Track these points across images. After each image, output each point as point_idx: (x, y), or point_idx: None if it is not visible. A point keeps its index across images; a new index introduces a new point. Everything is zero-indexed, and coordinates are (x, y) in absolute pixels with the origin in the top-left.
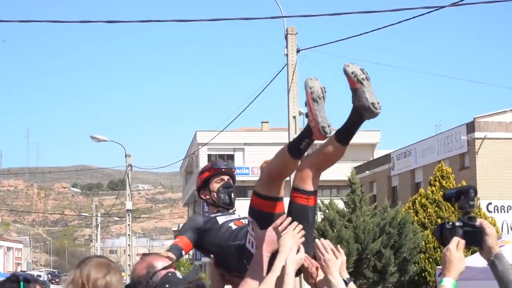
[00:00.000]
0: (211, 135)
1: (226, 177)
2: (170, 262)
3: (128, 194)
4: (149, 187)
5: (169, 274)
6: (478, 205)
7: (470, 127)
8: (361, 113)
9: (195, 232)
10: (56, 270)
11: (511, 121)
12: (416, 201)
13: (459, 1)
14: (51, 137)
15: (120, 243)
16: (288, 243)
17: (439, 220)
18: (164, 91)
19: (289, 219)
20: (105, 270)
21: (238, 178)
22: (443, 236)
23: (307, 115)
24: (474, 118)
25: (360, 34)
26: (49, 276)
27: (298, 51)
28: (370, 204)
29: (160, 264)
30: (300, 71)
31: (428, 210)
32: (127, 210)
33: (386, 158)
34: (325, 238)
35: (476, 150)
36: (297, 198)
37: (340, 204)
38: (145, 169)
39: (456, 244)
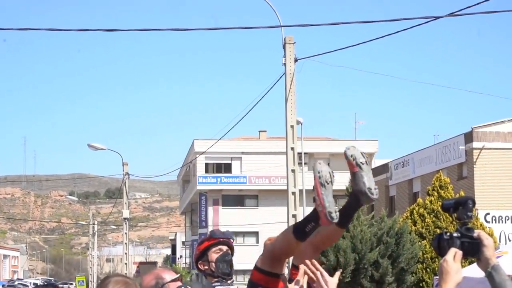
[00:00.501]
0: (208, 144)
1: (224, 248)
2: (178, 275)
3: (125, 203)
4: (146, 196)
5: (182, 287)
6: (476, 215)
7: (468, 137)
8: (358, 197)
9: None
10: (52, 278)
11: (509, 131)
12: (414, 211)
13: (456, 11)
14: (48, 145)
15: (117, 252)
16: None
17: (437, 230)
18: (162, 99)
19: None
20: None
21: (235, 187)
22: (440, 246)
23: (314, 199)
24: (472, 128)
25: (358, 44)
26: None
27: (296, 60)
28: (368, 214)
29: (168, 276)
30: (298, 80)
31: (426, 220)
32: (124, 218)
33: (384, 168)
34: None
35: (474, 160)
36: (294, 275)
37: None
38: (142, 177)
39: (453, 255)
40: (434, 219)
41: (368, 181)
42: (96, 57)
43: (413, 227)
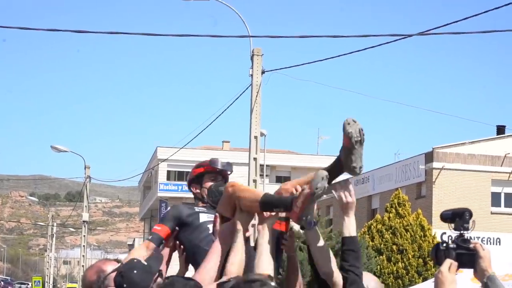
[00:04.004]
0: (171, 151)
1: (219, 177)
2: (119, 264)
3: (86, 206)
4: (106, 200)
5: (135, 260)
6: (473, 228)
7: (429, 157)
8: (342, 166)
9: (176, 222)
10: (9, 278)
11: (469, 153)
12: (372, 226)
13: (425, 31)
14: (10, 145)
15: (74, 254)
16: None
17: (394, 247)
18: (127, 105)
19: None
20: None
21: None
22: (437, 256)
23: (293, 200)
24: (433, 148)
25: (326, 59)
26: (2, 283)
27: (263, 72)
28: (326, 227)
29: (109, 267)
30: (264, 92)
31: (385, 236)
32: (84, 221)
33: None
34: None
35: (434, 180)
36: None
37: (295, 226)
38: (103, 181)
39: (448, 266)
40: (391, 235)
41: (356, 160)
42: (62, 59)
43: (371, 243)
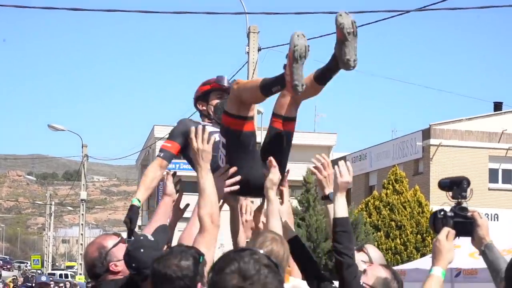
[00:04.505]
0: (168, 130)
1: (225, 95)
2: (119, 238)
3: (83, 184)
4: (104, 179)
5: (141, 237)
6: (470, 196)
7: (426, 133)
8: (337, 62)
9: (184, 137)
10: (7, 257)
11: (467, 129)
12: (369, 203)
13: (423, 7)
14: (8, 124)
15: (73, 233)
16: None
17: (392, 223)
18: (124, 83)
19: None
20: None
21: (194, 173)
22: (435, 225)
23: (284, 67)
24: (430, 125)
25: (322, 36)
26: (1, 262)
27: (259, 49)
28: (324, 204)
29: (110, 243)
30: (260, 69)
31: (382, 213)
32: (81, 199)
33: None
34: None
35: (431, 157)
36: (274, 123)
37: (294, 203)
38: (101, 159)
39: (446, 234)
40: (389, 212)
41: (349, 52)
42: (60, 37)
43: (368, 219)
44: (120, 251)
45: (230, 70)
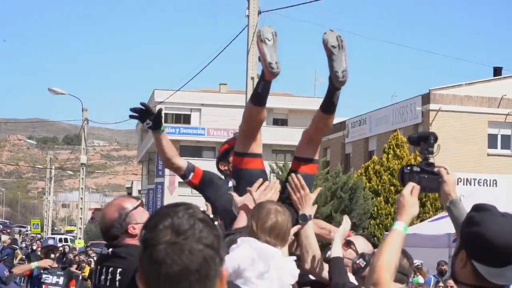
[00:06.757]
0: (169, 94)
1: None
2: (139, 201)
3: (83, 148)
4: (104, 144)
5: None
6: (437, 152)
7: (426, 98)
8: (332, 80)
9: (207, 177)
10: (7, 221)
11: (466, 94)
12: (369, 167)
13: None
14: (8, 88)
15: (73, 197)
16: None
17: (392, 188)
18: (124, 47)
19: (261, 180)
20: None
21: (193, 138)
22: (403, 180)
23: (259, 58)
24: (429, 90)
25: None
26: (1, 226)
27: (259, 12)
28: (323, 169)
29: (130, 205)
30: None
31: (383, 178)
32: (82, 163)
33: (341, 126)
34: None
35: (430, 122)
36: (292, 165)
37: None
38: (101, 123)
39: (411, 189)
40: (389, 176)
41: (337, 65)
42: (58, 2)
43: (368, 184)
44: (139, 214)
45: (230, 35)
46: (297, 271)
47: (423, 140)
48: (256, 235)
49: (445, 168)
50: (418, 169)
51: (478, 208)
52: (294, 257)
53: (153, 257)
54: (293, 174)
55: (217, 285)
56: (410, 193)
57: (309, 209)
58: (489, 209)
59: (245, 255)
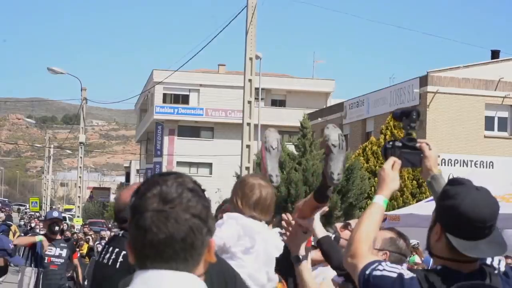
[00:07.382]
0: (167, 74)
1: None
2: None
3: (82, 127)
4: (103, 123)
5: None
6: (419, 127)
7: (423, 80)
8: (324, 177)
9: None
10: (6, 199)
11: (464, 77)
12: (367, 148)
13: None
14: (8, 67)
15: (71, 176)
16: None
17: None
18: (124, 27)
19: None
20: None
21: (192, 118)
22: (385, 155)
23: (259, 165)
24: (427, 72)
25: None
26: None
27: None
28: (320, 149)
29: None
30: (259, 14)
31: (380, 158)
32: (80, 142)
33: (339, 107)
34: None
35: (428, 104)
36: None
37: (290, 148)
38: (100, 103)
39: (392, 164)
40: None
41: (333, 166)
42: None
43: (365, 164)
44: None
45: (229, 15)
46: (282, 244)
47: (406, 116)
48: (241, 210)
49: (427, 144)
50: (400, 144)
51: (453, 182)
52: (278, 229)
53: (139, 224)
54: (288, 214)
55: (205, 255)
56: (391, 168)
57: (301, 250)
58: (464, 182)
59: (231, 233)
